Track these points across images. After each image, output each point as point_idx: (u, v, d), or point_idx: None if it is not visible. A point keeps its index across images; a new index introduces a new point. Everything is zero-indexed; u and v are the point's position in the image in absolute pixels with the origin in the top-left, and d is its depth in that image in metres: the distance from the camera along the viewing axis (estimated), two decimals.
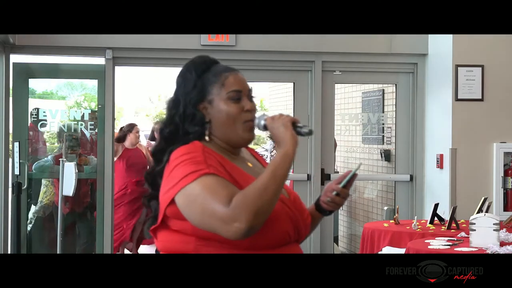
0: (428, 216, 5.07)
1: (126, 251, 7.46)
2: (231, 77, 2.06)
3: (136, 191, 7.36)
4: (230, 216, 1.78)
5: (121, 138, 7.44)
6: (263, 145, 9.36)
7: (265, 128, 2.04)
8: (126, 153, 7.36)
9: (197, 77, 2.06)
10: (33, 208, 6.26)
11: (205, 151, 1.94)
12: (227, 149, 2.05)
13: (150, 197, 2.06)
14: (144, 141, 8.50)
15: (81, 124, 6.10)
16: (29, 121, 6.01)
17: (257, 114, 2.09)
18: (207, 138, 2.03)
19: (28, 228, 6.14)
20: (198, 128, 2.02)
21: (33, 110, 6.03)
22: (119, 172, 7.24)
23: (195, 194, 1.85)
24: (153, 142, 8.09)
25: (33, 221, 6.22)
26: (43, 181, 6.28)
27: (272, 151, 7.70)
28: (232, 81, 2.05)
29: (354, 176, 2.08)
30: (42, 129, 6.17)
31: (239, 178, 1.95)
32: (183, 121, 2.03)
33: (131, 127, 7.53)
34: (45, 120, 6.07)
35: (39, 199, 6.28)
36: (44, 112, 6.07)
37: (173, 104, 2.06)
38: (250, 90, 2.09)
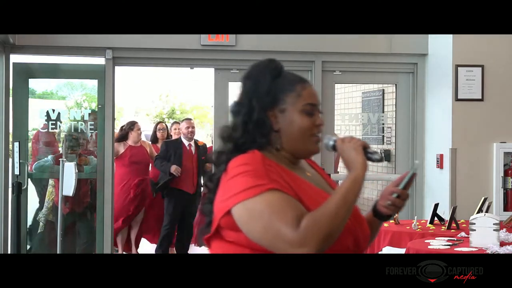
0: (428, 216, 5.07)
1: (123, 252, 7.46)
2: (308, 88, 1.99)
3: (137, 189, 7.36)
4: (298, 240, 1.73)
5: (123, 137, 7.44)
6: None
7: (333, 148, 2.01)
8: (129, 150, 7.36)
9: (271, 82, 1.97)
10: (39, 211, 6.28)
11: (265, 163, 1.87)
12: (288, 159, 1.98)
13: (207, 201, 1.98)
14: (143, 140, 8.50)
15: (81, 124, 6.10)
16: (43, 122, 6.04)
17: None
18: (274, 147, 1.96)
19: (38, 231, 6.18)
20: (265, 137, 1.94)
21: (48, 110, 6.04)
22: (121, 169, 7.25)
23: (258, 210, 1.78)
24: (149, 143, 8.10)
25: (42, 223, 6.23)
26: (50, 181, 6.29)
27: None
28: (309, 93, 1.99)
29: (413, 176, 2.04)
30: (54, 130, 6.17)
31: (299, 188, 1.88)
32: (255, 128, 1.94)
33: (132, 125, 7.53)
34: (57, 120, 6.07)
35: (46, 199, 6.28)
36: (58, 112, 6.07)
37: (247, 110, 1.96)
38: (320, 104, 2.04)
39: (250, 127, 1.94)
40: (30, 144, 6.45)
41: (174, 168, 6.99)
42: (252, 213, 1.79)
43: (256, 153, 1.90)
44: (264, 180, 1.81)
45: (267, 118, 1.95)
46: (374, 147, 7.03)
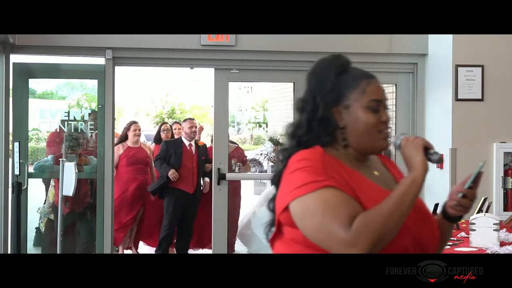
0: None
1: (126, 251, 7.46)
2: (373, 84, 1.96)
3: (135, 190, 7.35)
4: (349, 240, 1.72)
5: (122, 137, 7.46)
6: (262, 147, 9.31)
7: (400, 147, 1.97)
8: (127, 152, 7.36)
9: (335, 79, 1.95)
10: (40, 209, 6.29)
11: (325, 159, 1.85)
12: (354, 156, 1.95)
13: (271, 197, 1.97)
14: (143, 139, 8.50)
15: (81, 124, 6.10)
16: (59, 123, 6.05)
17: (396, 132, 2.01)
18: (340, 144, 1.94)
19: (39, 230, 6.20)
20: (330, 134, 1.93)
21: (69, 111, 6.06)
22: (120, 170, 7.25)
23: (312, 207, 1.77)
24: (149, 144, 8.09)
25: (42, 221, 6.25)
26: (51, 181, 6.29)
27: (271, 154, 7.66)
28: (374, 89, 1.96)
29: (479, 175, 2.01)
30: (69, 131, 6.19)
31: (357, 186, 1.85)
32: (319, 125, 1.93)
33: (129, 125, 7.55)
34: (73, 121, 6.09)
35: (48, 199, 6.29)
36: (74, 113, 6.09)
37: (311, 107, 1.94)
38: (386, 100, 2.00)
39: (314, 124, 1.93)
40: (44, 145, 6.48)
41: (171, 172, 7.00)
42: (306, 210, 1.78)
43: (317, 148, 1.89)
44: (321, 177, 1.80)
45: (331, 115, 1.93)
46: None
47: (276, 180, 1.94)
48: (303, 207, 1.79)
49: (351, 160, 1.94)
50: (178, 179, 7.07)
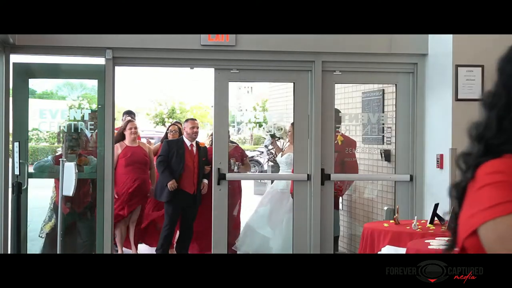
0: (428, 216, 5.07)
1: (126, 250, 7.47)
2: None
3: (134, 190, 7.35)
4: None
5: (119, 137, 7.45)
6: (263, 144, 9.28)
7: None
8: (125, 151, 7.36)
9: None
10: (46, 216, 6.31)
11: None
12: None
13: (453, 217, 1.66)
14: (143, 139, 8.48)
15: (81, 124, 6.10)
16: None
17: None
18: None
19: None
20: None
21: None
22: (119, 170, 7.25)
23: (510, 234, 1.44)
24: (149, 146, 8.08)
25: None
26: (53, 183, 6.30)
27: (270, 148, 7.63)
28: None
29: None
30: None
31: None
32: None
33: (125, 124, 7.53)
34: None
35: (51, 201, 6.30)
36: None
37: (505, 102, 1.60)
38: None
39: (506, 123, 1.59)
40: (44, 145, 6.48)
41: (170, 183, 6.98)
42: (502, 237, 1.46)
43: None
44: None
45: None
46: (374, 147, 7.04)
47: (459, 194, 1.61)
48: (497, 233, 1.46)
49: None
50: (179, 179, 7.07)
